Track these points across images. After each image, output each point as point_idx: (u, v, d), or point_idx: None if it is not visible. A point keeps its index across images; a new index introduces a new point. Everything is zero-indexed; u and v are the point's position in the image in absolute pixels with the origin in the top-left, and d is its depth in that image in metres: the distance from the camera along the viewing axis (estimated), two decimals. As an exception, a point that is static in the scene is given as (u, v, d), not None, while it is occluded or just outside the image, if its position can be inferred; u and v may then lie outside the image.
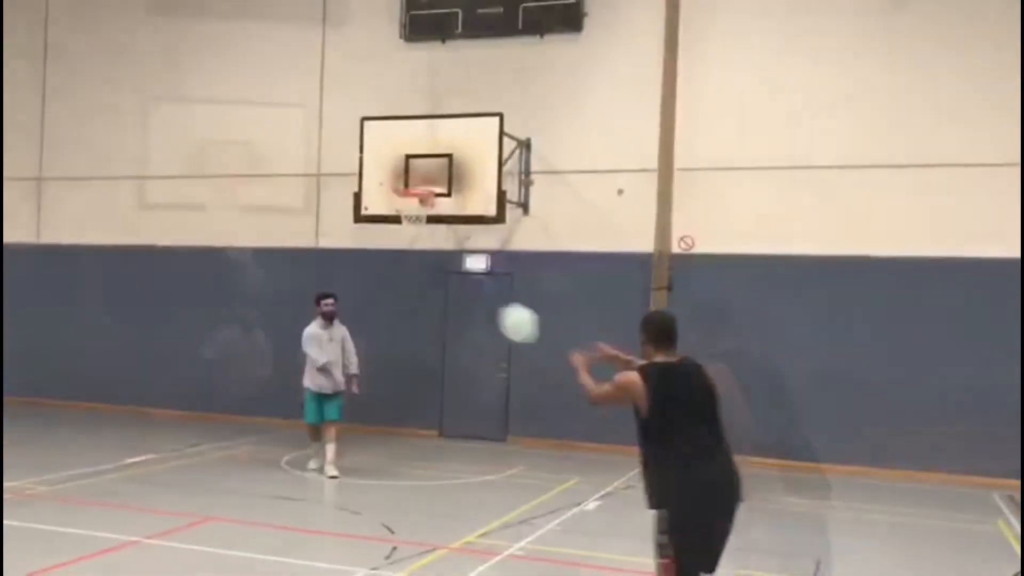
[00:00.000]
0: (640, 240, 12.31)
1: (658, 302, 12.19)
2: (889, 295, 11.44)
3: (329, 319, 10.39)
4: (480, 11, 12.97)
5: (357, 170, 11.89)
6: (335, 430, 10.27)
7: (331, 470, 10.11)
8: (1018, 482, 10.21)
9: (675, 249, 12.25)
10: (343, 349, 10.43)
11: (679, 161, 12.26)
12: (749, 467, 4.91)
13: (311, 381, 10.30)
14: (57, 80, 15.44)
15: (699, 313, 12.06)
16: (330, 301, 10.41)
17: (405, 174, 11.51)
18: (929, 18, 11.41)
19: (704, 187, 12.20)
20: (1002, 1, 11.20)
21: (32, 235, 15.48)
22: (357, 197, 11.83)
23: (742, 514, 4.67)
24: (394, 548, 7.23)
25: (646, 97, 12.30)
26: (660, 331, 4.89)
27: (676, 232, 12.26)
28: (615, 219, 12.51)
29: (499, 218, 11.33)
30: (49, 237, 15.40)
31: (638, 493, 9.43)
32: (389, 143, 11.68)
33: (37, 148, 15.49)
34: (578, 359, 5.07)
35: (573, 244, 12.66)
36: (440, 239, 13.14)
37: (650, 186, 12.27)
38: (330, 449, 10.19)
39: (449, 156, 11.34)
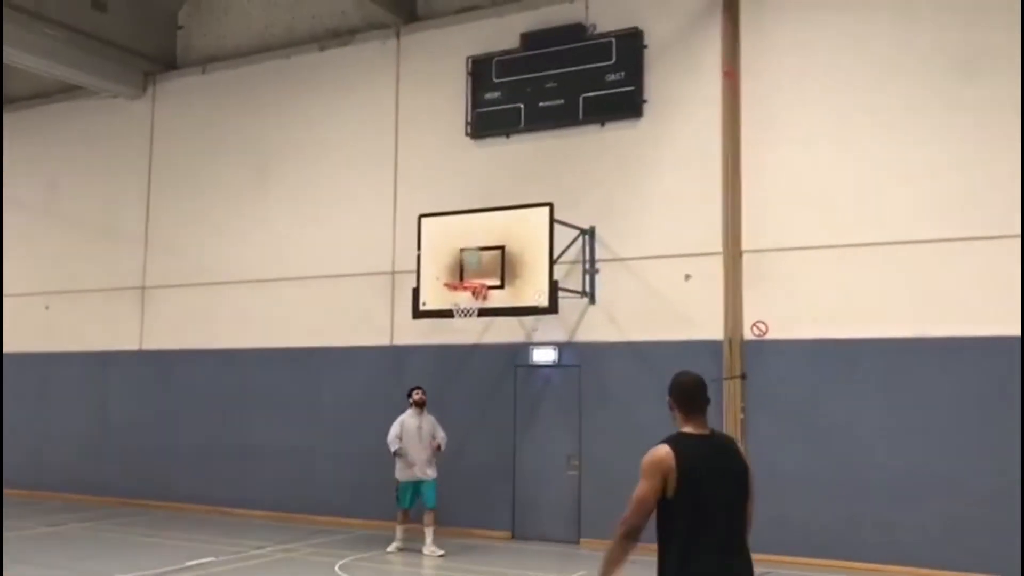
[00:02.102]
0: (711, 327, 11.73)
1: (731, 394, 11.51)
2: (989, 380, 10.35)
3: (420, 407, 11.55)
4: (542, 104, 12.99)
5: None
6: (430, 516, 11.42)
7: (436, 550, 11.32)
8: None
9: (748, 336, 11.61)
10: (432, 434, 11.49)
11: (748, 243, 11.71)
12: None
13: (397, 469, 11.47)
14: (159, 193, 16.35)
15: (776, 403, 11.36)
16: (419, 390, 11.67)
17: (460, 268, 11.44)
18: (1006, 84, 10.55)
19: (777, 269, 11.56)
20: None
21: (135, 342, 16.23)
22: (416, 293, 11.82)
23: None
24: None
25: (710, 179, 11.90)
26: (684, 394, 4.31)
27: (748, 318, 11.65)
28: (683, 306, 11.97)
29: (552, 308, 11.03)
30: (150, 343, 16.09)
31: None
32: (446, 238, 11.67)
33: (141, 259, 16.36)
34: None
35: (641, 333, 12.15)
36: (509, 332, 12.89)
37: (719, 270, 11.76)
38: (428, 532, 11.39)
39: (502, 248, 11.21)
